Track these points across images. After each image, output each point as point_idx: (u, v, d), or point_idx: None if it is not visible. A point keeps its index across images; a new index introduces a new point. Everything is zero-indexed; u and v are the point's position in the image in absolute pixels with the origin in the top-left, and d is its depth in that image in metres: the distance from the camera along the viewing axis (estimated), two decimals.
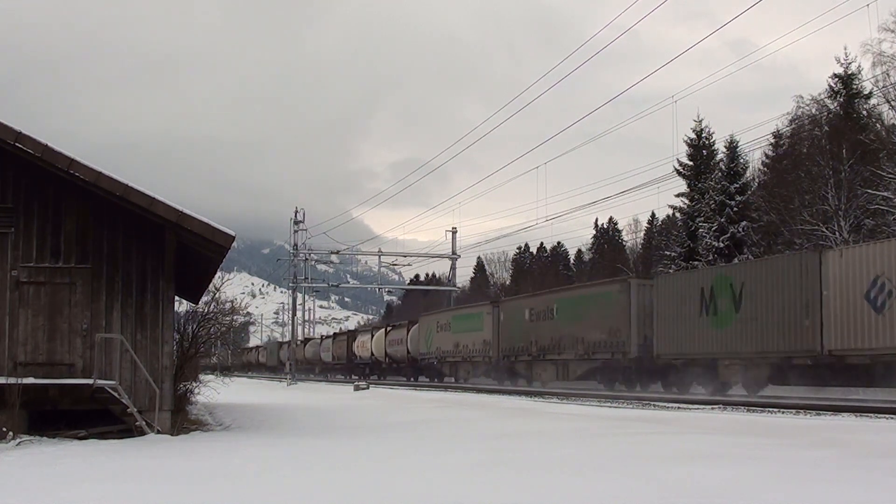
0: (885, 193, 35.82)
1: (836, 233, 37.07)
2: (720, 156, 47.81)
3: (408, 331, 55.89)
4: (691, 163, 49.64)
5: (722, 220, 43.77)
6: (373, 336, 63.88)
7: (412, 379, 55.17)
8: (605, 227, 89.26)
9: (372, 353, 62.56)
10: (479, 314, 44.97)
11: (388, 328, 62.13)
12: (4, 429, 14.19)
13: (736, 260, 40.44)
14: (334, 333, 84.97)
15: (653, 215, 76.08)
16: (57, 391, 14.78)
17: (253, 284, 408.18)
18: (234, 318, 27.21)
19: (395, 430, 16.18)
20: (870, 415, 16.80)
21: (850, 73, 42.87)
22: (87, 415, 14.94)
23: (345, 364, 71.33)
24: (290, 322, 75.90)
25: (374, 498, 8.14)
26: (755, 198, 45.22)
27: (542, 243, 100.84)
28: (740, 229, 43.29)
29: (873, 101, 42.78)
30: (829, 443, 11.86)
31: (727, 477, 8.85)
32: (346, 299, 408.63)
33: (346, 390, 40.22)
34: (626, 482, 8.68)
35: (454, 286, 72.60)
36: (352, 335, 72.76)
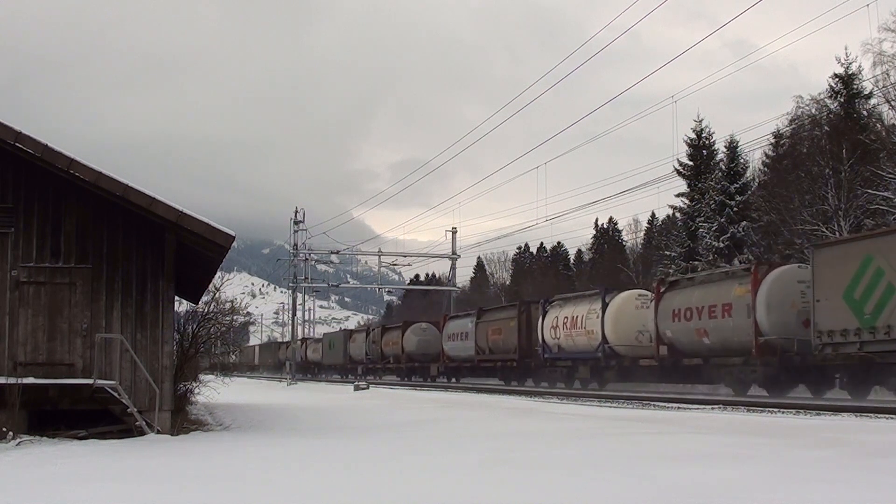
0: (885, 193, 35.81)
1: (836, 233, 37.06)
2: (720, 156, 47.85)
3: (754, 287, 25.70)
4: (691, 163, 49.67)
5: (722, 220, 43.79)
6: (606, 307, 33.41)
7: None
8: (605, 227, 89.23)
9: (604, 340, 33.09)
10: None
11: (663, 289, 30.67)
12: (4, 429, 14.19)
13: (736, 261, 40.46)
14: (480, 309, 48.27)
15: (653, 215, 76.16)
16: (57, 391, 14.78)
17: (253, 284, 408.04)
18: (234, 318, 27.23)
19: (396, 430, 16.17)
20: (870, 415, 16.80)
21: (850, 73, 42.87)
22: (87, 415, 14.94)
23: (515, 359, 40.67)
24: (290, 322, 75.88)
25: (374, 498, 8.14)
26: (755, 198, 45.22)
27: (542, 243, 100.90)
28: (740, 229, 43.30)
29: (873, 101, 42.79)
30: (829, 443, 11.86)
31: (727, 477, 8.85)
32: (347, 299, 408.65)
33: (345, 390, 40.23)
34: (626, 482, 8.68)
35: (454, 286, 72.64)
36: (525, 308, 40.97)
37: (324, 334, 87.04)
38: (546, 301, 38.84)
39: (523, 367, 40.55)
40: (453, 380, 49.24)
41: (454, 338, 48.71)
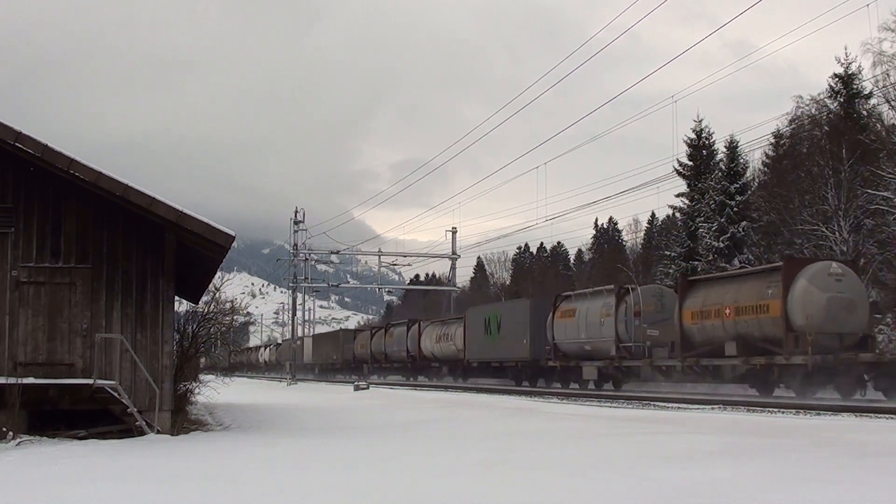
0: (885, 193, 35.77)
1: (836, 233, 37.05)
2: (720, 156, 47.82)
3: None
4: (691, 163, 49.64)
5: (722, 220, 43.76)
6: None
7: None
8: (605, 227, 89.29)
9: None
10: None
11: None
12: (4, 429, 14.19)
13: (736, 261, 40.44)
14: None
15: (653, 215, 76.13)
16: (57, 391, 14.78)
17: (253, 284, 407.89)
18: (234, 318, 27.23)
19: (396, 430, 16.17)
20: (870, 415, 16.80)
21: (850, 72, 42.85)
22: (87, 415, 14.94)
23: None
24: (290, 322, 75.87)
25: (374, 498, 8.14)
26: (755, 198, 45.20)
27: (542, 243, 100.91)
28: (740, 229, 43.27)
29: (873, 101, 42.73)
30: (829, 443, 11.86)
31: (726, 477, 8.85)
32: (347, 299, 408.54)
33: (345, 390, 40.23)
34: (626, 482, 8.68)
35: (454, 286, 72.61)
36: None
37: (469, 309, 48.50)
38: None
39: None
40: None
41: None
